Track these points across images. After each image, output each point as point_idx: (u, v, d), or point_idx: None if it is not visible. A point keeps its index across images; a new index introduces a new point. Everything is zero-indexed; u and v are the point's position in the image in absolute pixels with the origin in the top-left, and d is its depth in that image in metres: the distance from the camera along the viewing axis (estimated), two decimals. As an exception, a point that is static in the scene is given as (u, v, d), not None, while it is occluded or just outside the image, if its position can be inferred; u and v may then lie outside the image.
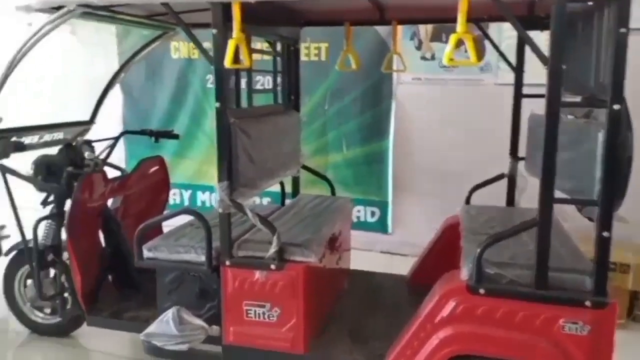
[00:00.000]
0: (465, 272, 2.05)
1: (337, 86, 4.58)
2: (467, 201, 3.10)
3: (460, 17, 1.87)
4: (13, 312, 3.28)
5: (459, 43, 1.90)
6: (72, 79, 5.23)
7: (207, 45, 2.31)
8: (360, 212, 4.68)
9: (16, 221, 2.99)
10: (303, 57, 4.54)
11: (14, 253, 3.23)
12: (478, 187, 3.09)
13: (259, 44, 3.88)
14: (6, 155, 2.85)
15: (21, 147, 2.90)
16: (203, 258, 2.46)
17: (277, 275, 2.33)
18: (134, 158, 4.75)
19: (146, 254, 2.59)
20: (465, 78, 4.31)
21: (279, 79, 3.23)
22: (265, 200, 4.80)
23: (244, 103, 2.87)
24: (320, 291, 2.59)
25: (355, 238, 3.65)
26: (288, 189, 3.51)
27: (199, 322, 2.52)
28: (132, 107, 5.24)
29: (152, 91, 5.14)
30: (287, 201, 3.44)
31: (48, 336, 3.26)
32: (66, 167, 2.99)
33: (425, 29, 4.37)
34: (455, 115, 4.34)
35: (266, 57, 3.24)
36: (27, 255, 3.01)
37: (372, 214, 4.68)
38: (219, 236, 2.42)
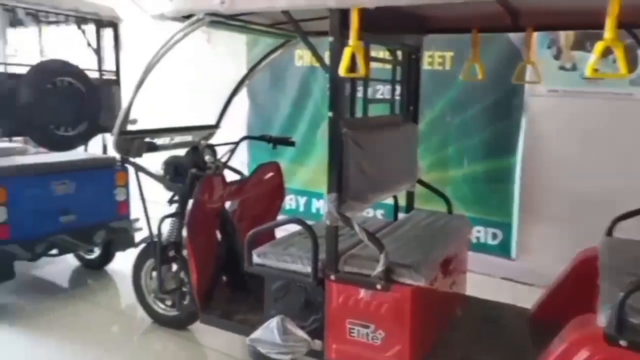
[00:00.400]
0: (602, 318, 1.76)
1: (461, 97, 4.32)
2: (609, 233, 2.70)
3: (609, 23, 1.60)
4: (139, 300, 3.53)
5: (606, 52, 1.63)
6: (204, 84, 5.59)
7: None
8: (480, 233, 4.36)
9: (145, 216, 3.22)
10: (426, 66, 4.37)
11: (143, 246, 3.49)
12: (623, 217, 2.68)
13: (381, 52, 3.79)
14: (139, 155, 3.08)
15: (153, 148, 3.12)
16: (309, 269, 2.42)
17: (383, 296, 2.21)
18: (255, 162, 4.92)
19: (255, 259, 2.62)
20: (612, 92, 3.80)
21: (397, 89, 3.11)
22: (379, 213, 4.68)
23: (359, 113, 2.79)
24: (429, 317, 2.42)
25: (473, 261, 3.39)
26: (402, 202, 3.36)
27: (302, 334, 2.48)
28: (257, 112, 5.45)
29: (275, 97, 5.29)
30: (401, 215, 3.30)
31: (167, 327, 3.46)
32: (190, 169, 3.15)
33: (565, 36, 3.95)
34: (598, 133, 3.85)
35: (386, 66, 3.14)
36: (152, 249, 3.22)
37: (494, 236, 4.34)
38: (326, 248, 2.36)
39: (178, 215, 3.17)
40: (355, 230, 2.25)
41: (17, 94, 3.51)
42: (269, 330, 2.49)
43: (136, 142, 3.03)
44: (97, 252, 4.47)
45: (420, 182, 3.24)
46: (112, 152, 4.44)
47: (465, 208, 4.20)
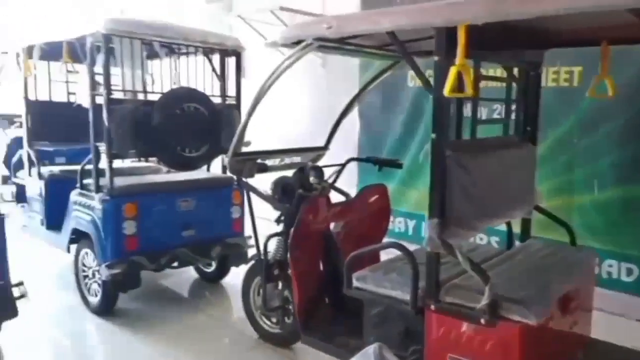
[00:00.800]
0: None
1: (590, 116, 3.92)
2: None
3: None
4: (247, 315, 3.66)
5: None
6: (318, 107, 5.74)
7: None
8: (612, 268, 3.87)
9: (254, 234, 3.35)
10: (550, 83, 4.05)
11: (252, 262, 3.63)
12: None
13: (499, 70, 3.59)
14: (252, 175, 3.22)
15: (264, 169, 3.24)
16: (408, 297, 2.32)
17: (487, 332, 2.04)
18: (364, 183, 4.89)
19: (355, 283, 2.58)
20: None
21: (513, 107, 2.90)
22: (494, 240, 4.39)
23: (467, 134, 2.64)
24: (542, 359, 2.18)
25: (603, 299, 3.02)
26: (517, 230, 3.11)
27: (400, 364, 2.37)
28: (368, 133, 5.45)
29: (387, 118, 5.26)
30: (516, 244, 3.05)
31: (271, 344, 3.54)
32: (297, 189, 3.22)
33: None
34: None
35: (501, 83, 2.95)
36: (259, 266, 3.33)
37: (629, 271, 3.82)
38: (426, 276, 2.25)
39: (284, 234, 3.25)
40: (459, 258, 2.11)
41: (150, 119, 3.88)
42: (366, 358, 2.42)
43: (248, 164, 3.18)
44: (214, 265, 4.74)
45: (538, 208, 2.97)
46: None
47: (594, 239, 3.77)
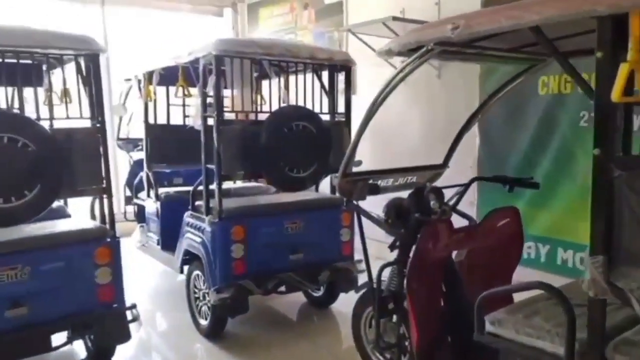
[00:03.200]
0: None
1: None
2: None
3: None
4: (357, 348, 3.35)
5: None
6: (434, 121, 5.34)
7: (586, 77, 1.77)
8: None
9: (365, 261, 3.06)
10: None
11: (363, 291, 3.34)
12: None
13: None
14: (363, 198, 2.96)
15: (376, 190, 2.97)
16: (562, 350, 1.88)
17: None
18: (485, 205, 4.43)
19: (488, 327, 2.18)
20: None
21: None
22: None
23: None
24: None
25: None
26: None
27: None
28: (489, 149, 4.93)
29: (511, 132, 4.70)
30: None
31: (386, 382, 3.20)
32: (414, 213, 2.89)
33: None
34: None
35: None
36: (371, 297, 3.03)
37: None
38: (587, 326, 1.79)
39: (399, 263, 2.91)
40: (634, 307, 1.64)
41: (258, 138, 3.78)
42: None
43: (359, 185, 2.94)
44: (322, 290, 4.52)
45: None
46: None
47: None
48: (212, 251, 3.75)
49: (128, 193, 5.91)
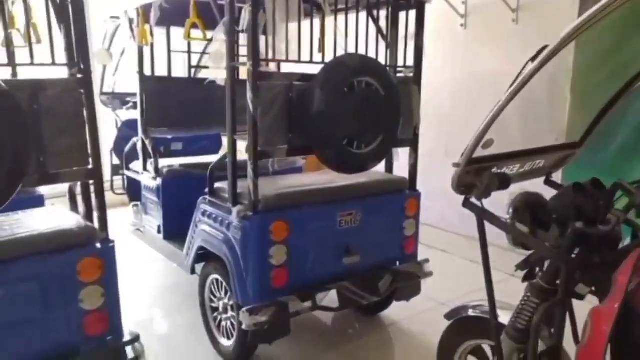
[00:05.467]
0: None
1: None
2: None
3: None
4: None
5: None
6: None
7: None
8: None
9: (488, 292, 2.07)
10: None
11: (459, 317, 2.37)
12: None
13: None
14: (487, 195, 1.97)
15: (507, 183, 1.98)
16: None
17: None
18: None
19: None
20: None
21: None
22: None
23: None
24: None
25: None
26: None
27: None
28: (584, 117, 3.90)
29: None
30: None
31: None
32: (572, 220, 1.88)
33: None
34: None
35: None
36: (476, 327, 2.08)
37: None
38: None
39: (559, 304, 1.90)
40: None
41: (308, 100, 2.69)
42: None
43: (486, 176, 1.94)
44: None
45: None
46: (399, 170, 3.50)
47: None
48: (242, 255, 2.71)
49: (115, 161, 4.75)
